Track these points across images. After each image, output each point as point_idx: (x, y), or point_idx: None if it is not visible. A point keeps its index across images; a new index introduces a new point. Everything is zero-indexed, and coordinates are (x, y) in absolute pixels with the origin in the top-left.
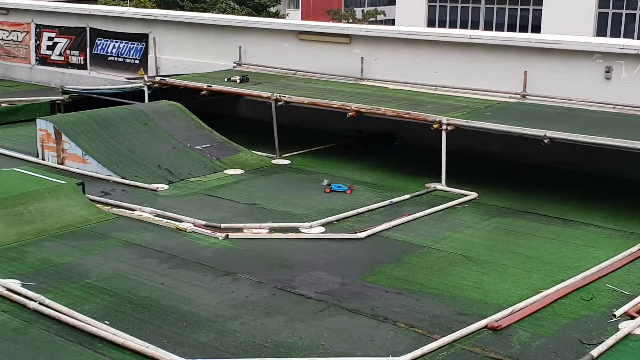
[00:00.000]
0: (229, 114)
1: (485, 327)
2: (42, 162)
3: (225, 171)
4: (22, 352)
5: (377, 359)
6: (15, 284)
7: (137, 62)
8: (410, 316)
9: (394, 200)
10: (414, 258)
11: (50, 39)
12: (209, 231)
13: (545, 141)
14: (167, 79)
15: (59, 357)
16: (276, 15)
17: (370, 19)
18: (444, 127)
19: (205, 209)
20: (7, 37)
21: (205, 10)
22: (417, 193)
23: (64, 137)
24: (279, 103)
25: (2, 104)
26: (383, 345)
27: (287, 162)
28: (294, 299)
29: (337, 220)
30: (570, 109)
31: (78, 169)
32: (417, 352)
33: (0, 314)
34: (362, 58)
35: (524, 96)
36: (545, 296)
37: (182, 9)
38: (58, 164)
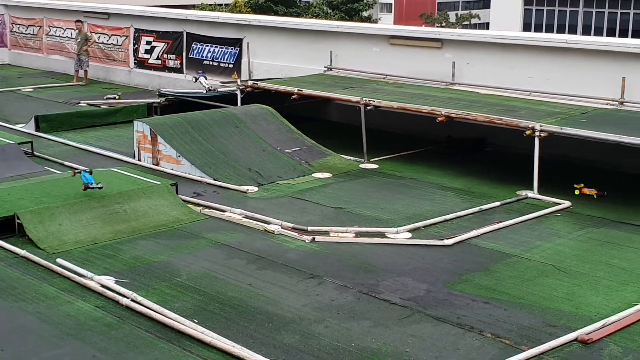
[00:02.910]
0: (319, 117)
1: (576, 339)
2: (138, 162)
3: (313, 174)
4: (114, 347)
5: None
6: (109, 280)
7: (230, 66)
8: (497, 326)
9: (484, 207)
10: (502, 267)
11: (148, 43)
12: (296, 234)
13: None
14: (259, 83)
15: (148, 353)
16: (369, 19)
17: (464, 23)
18: (537, 133)
19: (293, 211)
20: (108, 40)
21: (298, 15)
22: (508, 200)
23: (159, 139)
24: (368, 107)
25: (102, 106)
26: (468, 354)
27: (375, 166)
28: (379, 304)
29: (423, 226)
30: None
31: (172, 170)
32: None
33: (94, 310)
34: (453, 62)
35: (621, 103)
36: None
37: (276, 14)
38: (153, 164)
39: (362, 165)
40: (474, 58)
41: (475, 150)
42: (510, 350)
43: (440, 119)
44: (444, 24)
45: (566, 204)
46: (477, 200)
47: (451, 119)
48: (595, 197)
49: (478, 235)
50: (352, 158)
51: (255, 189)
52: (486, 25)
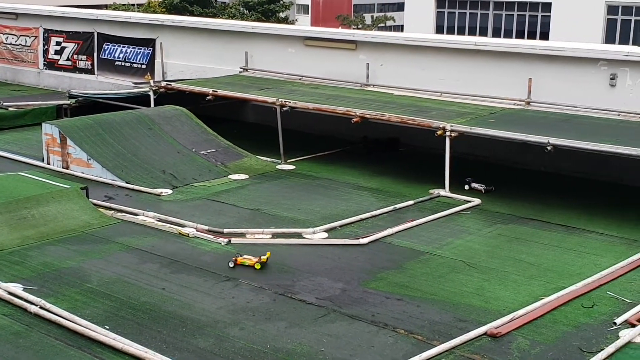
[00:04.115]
0: (235, 119)
1: (485, 334)
2: (47, 166)
3: (229, 176)
4: (23, 356)
5: None
6: (17, 288)
7: (143, 66)
8: (410, 322)
9: (398, 206)
10: (415, 264)
11: (58, 43)
12: (212, 236)
13: (549, 148)
14: (173, 84)
15: None
16: (285, 20)
17: (379, 25)
18: (447, 133)
19: (208, 214)
20: (16, 41)
21: (214, 16)
22: (421, 199)
23: (69, 142)
24: (284, 108)
25: (10, 108)
26: (382, 351)
27: (291, 167)
28: (295, 305)
29: (340, 226)
30: (574, 116)
31: (82, 173)
32: (416, 359)
33: (1, 318)
34: (367, 64)
35: (528, 103)
36: (546, 303)
37: (191, 14)
38: (63, 168)
39: (278, 167)
40: (387, 60)
41: (389, 150)
42: (422, 345)
43: (355, 119)
44: (360, 26)
45: (476, 201)
46: (392, 200)
47: (366, 119)
48: None
49: (392, 234)
50: (268, 159)
51: (170, 191)
52: (401, 28)
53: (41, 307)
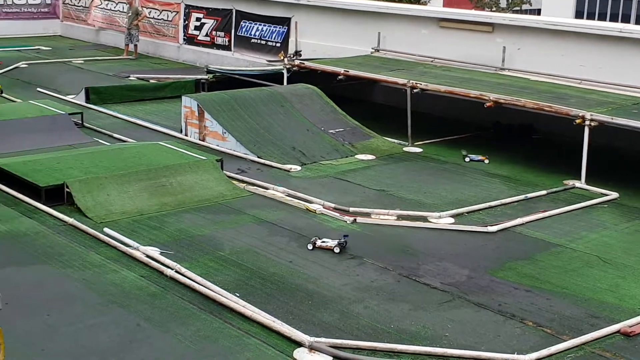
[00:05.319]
0: (365, 99)
1: (618, 332)
2: (185, 137)
3: (356, 156)
4: (158, 316)
5: (502, 355)
6: (154, 251)
7: (278, 45)
8: (539, 315)
9: (529, 195)
10: (546, 256)
11: (198, 19)
12: (338, 214)
13: None
14: (306, 63)
15: (191, 323)
16: (417, 2)
17: (514, 8)
18: (587, 122)
19: (335, 192)
20: (158, 16)
21: None
22: (554, 189)
23: (206, 115)
24: (415, 90)
25: (151, 81)
26: (509, 342)
27: (419, 150)
28: (419, 288)
29: (467, 212)
30: None
31: (217, 146)
32: (544, 352)
33: (139, 279)
34: (504, 47)
35: None
36: None
37: None
38: (199, 140)
39: (406, 149)
40: (525, 44)
41: (522, 137)
42: (551, 339)
43: (488, 104)
44: (494, 9)
45: (613, 195)
46: (523, 188)
47: (499, 104)
48: None
49: (523, 224)
50: (396, 141)
51: (299, 168)
52: (537, 12)
53: (176, 271)
